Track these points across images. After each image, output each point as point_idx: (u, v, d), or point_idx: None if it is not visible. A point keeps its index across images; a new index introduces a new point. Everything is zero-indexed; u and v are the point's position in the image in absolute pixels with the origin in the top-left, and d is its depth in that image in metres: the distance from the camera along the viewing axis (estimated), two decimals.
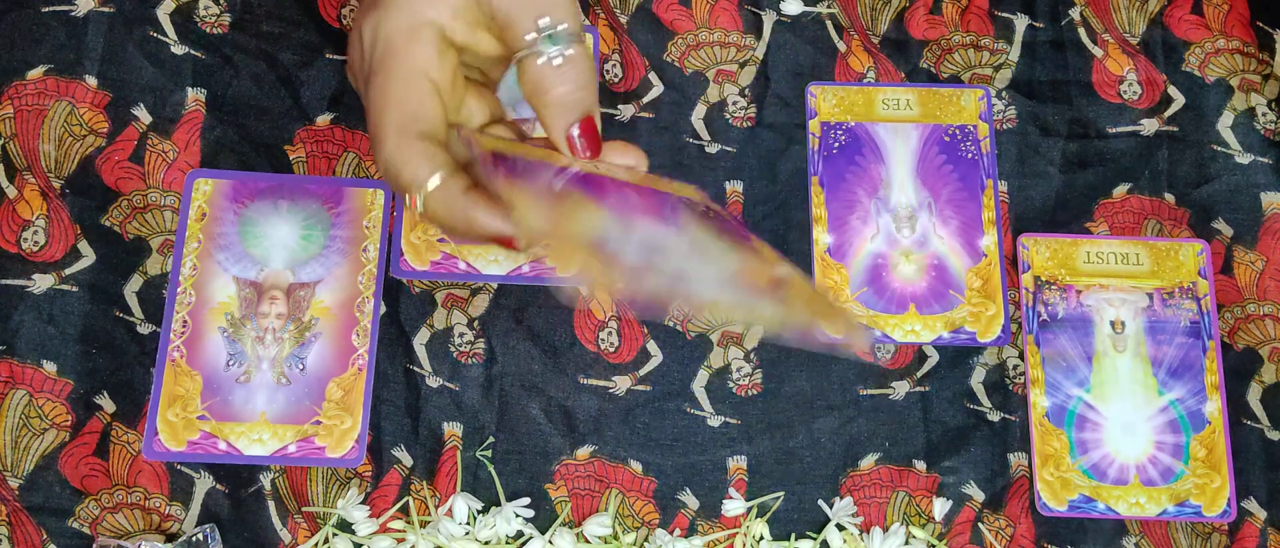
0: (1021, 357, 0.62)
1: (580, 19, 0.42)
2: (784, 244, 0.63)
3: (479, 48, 0.44)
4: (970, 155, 0.65)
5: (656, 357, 0.61)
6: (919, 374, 0.62)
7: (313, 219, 0.61)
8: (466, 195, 0.42)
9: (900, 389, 0.62)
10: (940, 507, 0.60)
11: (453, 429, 0.60)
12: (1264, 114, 0.66)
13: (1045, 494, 0.59)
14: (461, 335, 0.61)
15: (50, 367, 0.58)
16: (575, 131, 0.43)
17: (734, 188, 0.65)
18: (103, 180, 0.61)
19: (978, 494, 0.60)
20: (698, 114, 0.66)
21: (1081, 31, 0.68)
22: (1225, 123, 0.66)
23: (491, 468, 0.59)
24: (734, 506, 0.59)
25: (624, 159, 0.46)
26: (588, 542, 0.58)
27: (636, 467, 0.60)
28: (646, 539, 0.59)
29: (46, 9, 0.63)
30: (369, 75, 0.42)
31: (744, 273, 0.39)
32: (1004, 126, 0.66)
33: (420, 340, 0.61)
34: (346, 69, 0.45)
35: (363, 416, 0.58)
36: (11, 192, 0.60)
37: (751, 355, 0.61)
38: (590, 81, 0.43)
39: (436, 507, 0.59)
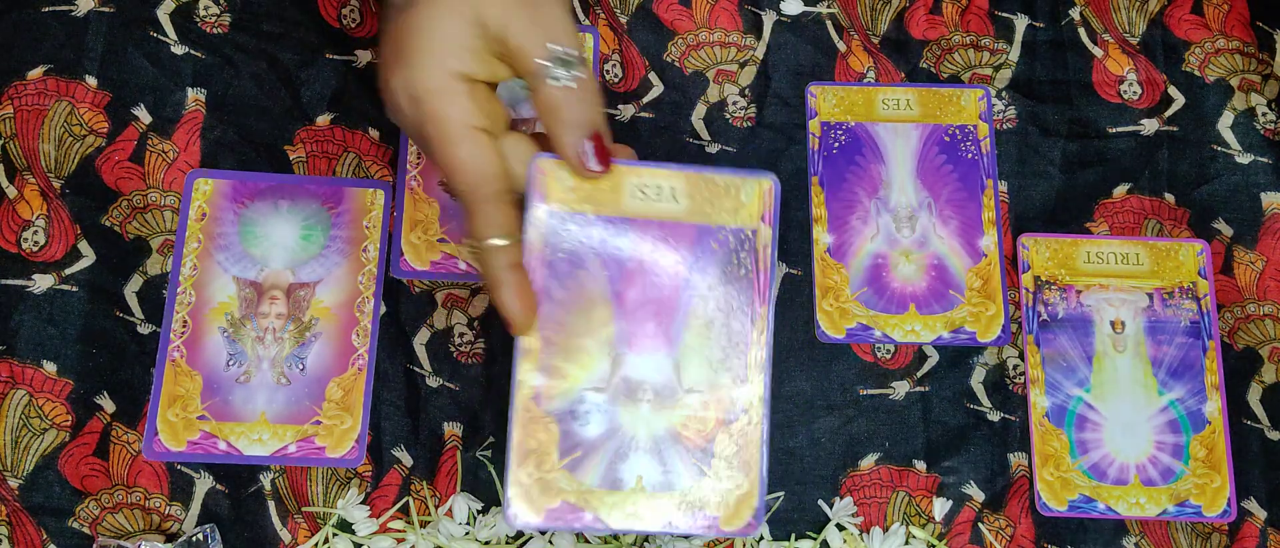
0: (1021, 357, 0.62)
1: (582, 43, 0.45)
2: (784, 244, 0.63)
3: (495, 76, 0.47)
4: (970, 155, 0.65)
5: None
6: (919, 374, 0.62)
7: (313, 219, 0.61)
8: (506, 272, 0.47)
9: (900, 389, 0.62)
10: (940, 507, 0.60)
11: (453, 429, 0.60)
12: (1264, 114, 0.66)
13: (1045, 494, 0.59)
14: (461, 335, 0.61)
15: (50, 367, 0.58)
16: (587, 146, 0.47)
17: None
18: (103, 180, 0.61)
19: (978, 494, 0.60)
20: (698, 114, 0.66)
21: (1081, 31, 0.68)
22: (1225, 123, 0.66)
23: (491, 468, 0.59)
24: None
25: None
26: (588, 542, 0.58)
27: None
28: (647, 540, 0.59)
29: (46, 9, 0.63)
30: (421, 140, 0.46)
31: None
32: (1004, 126, 0.66)
33: (420, 340, 0.61)
34: (388, 114, 0.48)
35: (363, 415, 0.58)
36: (11, 192, 0.60)
37: None
38: (597, 100, 0.47)
39: (436, 507, 0.59)
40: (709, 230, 0.50)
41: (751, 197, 0.50)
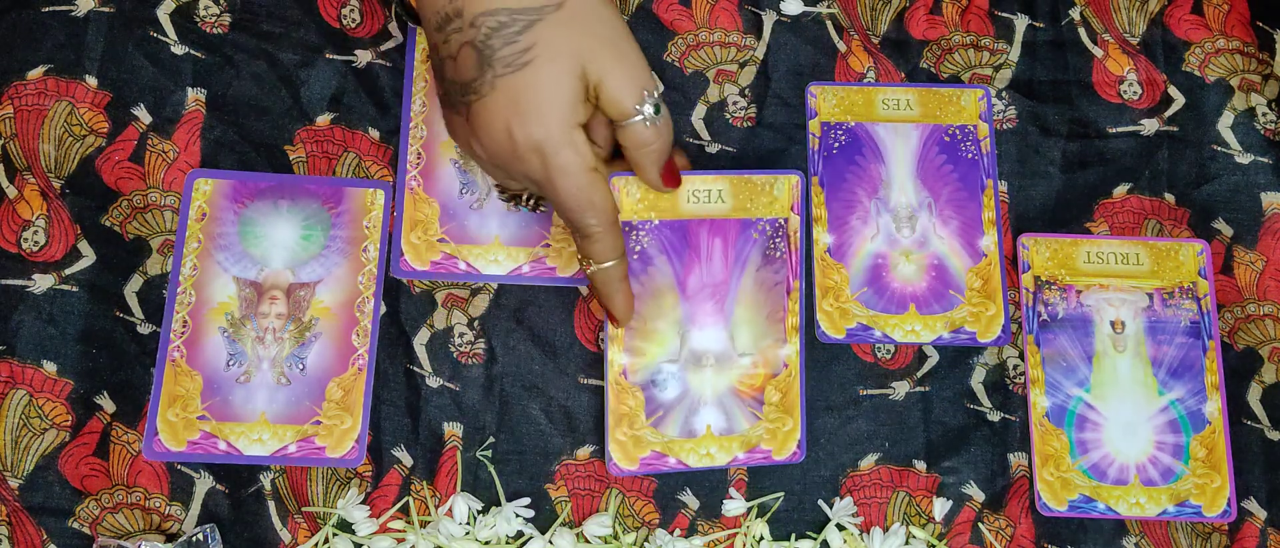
0: (1021, 357, 0.62)
1: (658, 84, 0.53)
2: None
3: (588, 117, 0.53)
4: (970, 155, 0.65)
5: None
6: (919, 374, 0.62)
7: (313, 219, 0.61)
8: (620, 284, 0.56)
9: (900, 389, 0.62)
10: (940, 507, 0.60)
11: (453, 429, 0.60)
12: (1264, 114, 0.66)
13: (1045, 494, 0.59)
14: (461, 335, 0.61)
15: (50, 367, 0.58)
16: (665, 171, 0.56)
17: None
18: (103, 180, 0.61)
19: (978, 494, 0.60)
20: (698, 114, 0.66)
21: (1081, 31, 0.68)
22: (1225, 123, 0.66)
23: (491, 468, 0.59)
24: (734, 506, 0.59)
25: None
26: (588, 542, 0.58)
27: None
28: (646, 539, 0.59)
29: (46, 9, 0.63)
30: (546, 185, 0.52)
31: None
32: (1004, 126, 0.66)
33: (420, 340, 0.61)
34: (492, 159, 0.53)
35: (363, 415, 0.58)
36: (11, 192, 0.60)
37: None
38: (671, 132, 0.55)
39: (436, 507, 0.59)
40: (750, 222, 0.61)
41: (783, 191, 0.61)
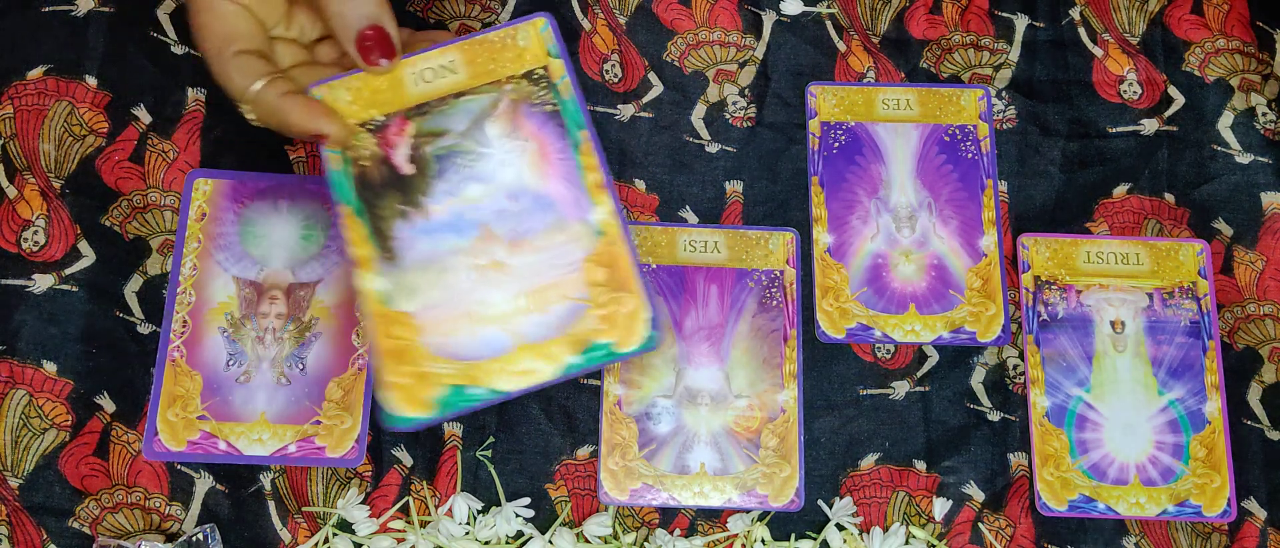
0: (1021, 357, 0.62)
1: None
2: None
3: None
4: (970, 155, 0.65)
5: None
6: (919, 374, 0.62)
7: (313, 219, 0.61)
8: (282, 99, 0.48)
9: (900, 389, 0.62)
10: (940, 507, 0.60)
11: (453, 429, 0.60)
12: (1264, 114, 0.66)
13: (1045, 494, 0.59)
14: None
15: (50, 367, 0.58)
16: (369, 36, 0.49)
17: (734, 188, 0.65)
18: (103, 180, 0.61)
19: (978, 494, 0.60)
20: (698, 114, 0.66)
21: (1081, 31, 0.68)
22: (1225, 123, 0.66)
23: (491, 468, 0.59)
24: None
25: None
26: (588, 542, 0.58)
27: None
28: (646, 539, 0.59)
29: (46, 9, 0.63)
30: (189, 14, 0.50)
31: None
32: (1004, 126, 0.66)
33: None
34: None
35: (363, 415, 0.58)
36: (11, 192, 0.60)
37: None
38: None
39: (436, 507, 0.59)
40: (746, 273, 0.62)
41: (778, 246, 0.62)
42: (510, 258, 0.49)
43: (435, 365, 0.47)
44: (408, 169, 0.50)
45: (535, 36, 0.52)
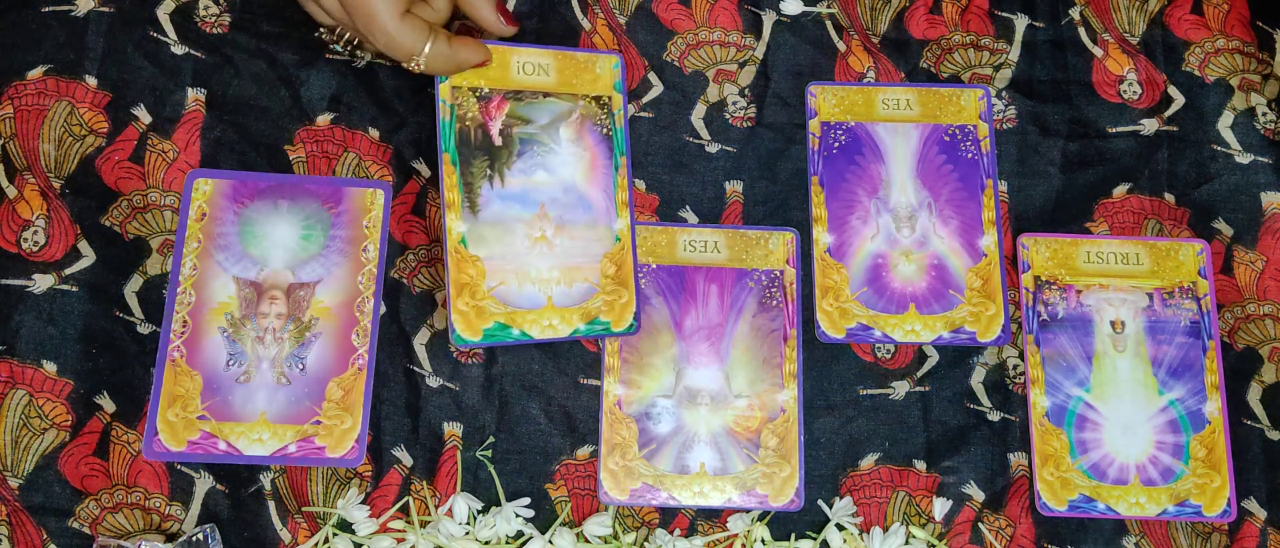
0: (1021, 357, 0.62)
1: None
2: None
3: None
4: (970, 155, 0.65)
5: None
6: (919, 374, 0.62)
7: (313, 219, 0.61)
8: (451, 47, 0.58)
9: (900, 389, 0.62)
10: (940, 507, 0.60)
11: (453, 429, 0.60)
12: (1264, 114, 0.66)
13: (1045, 494, 0.59)
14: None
15: (50, 367, 0.58)
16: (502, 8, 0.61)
17: (734, 188, 0.65)
18: (103, 180, 0.61)
19: (978, 494, 0.60)
20: (698, 114, 0.66)
21: (1081, 31, 0.68)
22: (1225, 123, 0.66)
23: (491, 468, 0.59)
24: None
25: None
26: (588, 542, 0.58)
27: None
28: (646, 539, 0.59)
29: (46, 9, 0.63)
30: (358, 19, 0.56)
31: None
32: (1004, 126, 0.66)
33: (420, 340, 0.61)
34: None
35: (363, 416, 0.58)
36: (11, 192, 0.60)
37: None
38: None
39: (436, 507, 0.59)
40: (746, 273, 0.62)
41: (778, 246, 0.63)
42: (555, 237, 0.60)
43: (490, 305, 0.58)
44: (498, 141, 0.61)
45: (609, 70, 0.63)
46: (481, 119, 0.60)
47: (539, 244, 0.59)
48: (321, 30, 0.63)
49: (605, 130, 0.62)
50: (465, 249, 0.58)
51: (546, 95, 0.61)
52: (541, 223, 0.60)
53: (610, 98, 0.63)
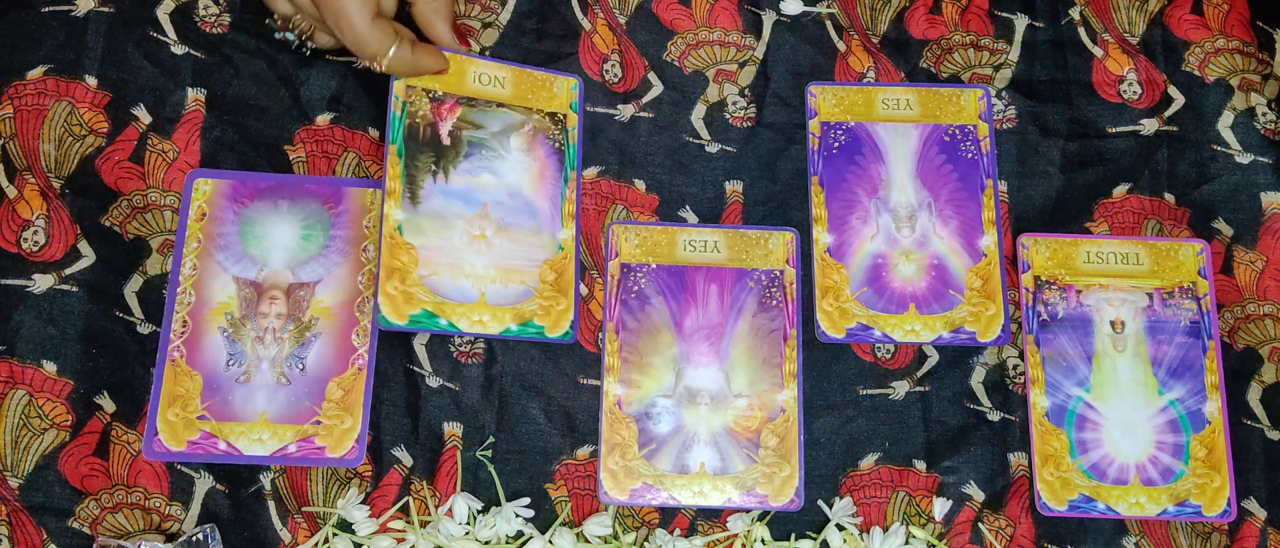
0: (1021, 357, 0.62)
1: None
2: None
3: None
4: (970, 155, 0.65)
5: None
6: (919, 374, 0.62)
7: (313, 219, 0.61)
8: (415, 53, 0.60)
9: (900, 389, 0.62)
10: (940, 507, 0.60)
11: (453, 429, 0.60)
12: (1264, 114, 0.66)
13: (1045, 494, 0.59)
14: (461, 335, 0.61)
15: (50, 367, 0.58)
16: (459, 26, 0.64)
17: (734, 188, 0.65)
18: (103, 180, 0.61)
19: (978, 494, 0.60)
20: (698, 114, 0.66)
21: (1081, 31, 0.68)
22: (1225, 123, 0.66)
23: (491, 468, 0.59)
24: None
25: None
26: (588, 542, 0.58)
27: None
28: (646, 539, 0.59)
29: (46, 9, 0.63)
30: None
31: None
32: (1004, 126, 0.66)
33: (420, 340, 0.61)
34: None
35: (363, 416, 0.58)
36: (11, 192, 0.60)
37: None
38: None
39: (436, 507, 0.59)
40: (746, 272, 0.62)
41: (778, 246, 0.63)
42: (494, 238, 0.60)
43: (419, 292, 0.58)
44: (446, 141, 0.61)
45: (566, 90, 0.64)
46: (432, 118, 0.61)
47: (477, 242, 0.60)
48: (271, 19, 0.62)
49: (558, 145, 0.63)
50: (400, 236, 0.59)
51: (500, 105, 0.62)
52: (482, 222, 0.60)
53: (565, 115, 0.63)
